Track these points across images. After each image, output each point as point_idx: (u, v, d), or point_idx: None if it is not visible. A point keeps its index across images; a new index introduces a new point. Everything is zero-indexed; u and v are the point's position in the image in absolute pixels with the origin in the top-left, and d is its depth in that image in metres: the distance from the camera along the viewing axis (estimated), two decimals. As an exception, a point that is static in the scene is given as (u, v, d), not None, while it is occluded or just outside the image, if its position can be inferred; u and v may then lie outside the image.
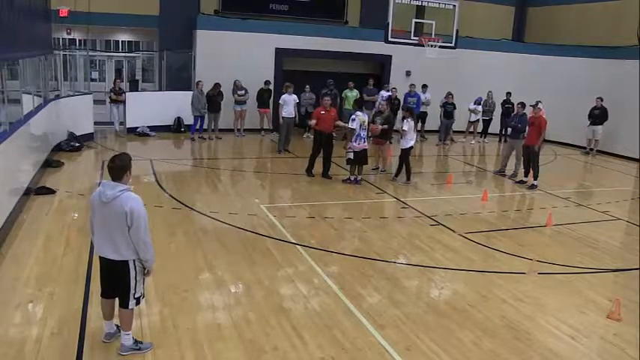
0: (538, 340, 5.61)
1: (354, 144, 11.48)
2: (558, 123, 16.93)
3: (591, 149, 17.68)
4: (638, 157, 16.75)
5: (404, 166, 12.06)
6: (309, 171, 12.23)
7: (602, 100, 16.97)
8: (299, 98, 15.69)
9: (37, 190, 9.69)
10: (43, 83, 12.65)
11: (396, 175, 12.16)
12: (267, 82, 16.90)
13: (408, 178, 12.06)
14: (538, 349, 5.42)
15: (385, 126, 12.38)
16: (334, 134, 12.82)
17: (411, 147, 12.00)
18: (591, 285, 7.14)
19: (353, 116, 11.63)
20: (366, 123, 11.67)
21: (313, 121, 12.11)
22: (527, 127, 12.76)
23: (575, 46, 18.77)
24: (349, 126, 11.65)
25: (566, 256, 8.17)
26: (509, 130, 13.82)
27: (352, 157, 11.59)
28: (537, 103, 12.70)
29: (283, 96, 14.90)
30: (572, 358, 5.31)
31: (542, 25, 21.60)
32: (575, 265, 7.77)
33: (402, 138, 12.01)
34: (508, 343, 5.51)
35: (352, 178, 11.75)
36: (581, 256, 8.22)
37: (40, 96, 12.00)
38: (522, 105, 13.14)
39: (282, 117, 14.74)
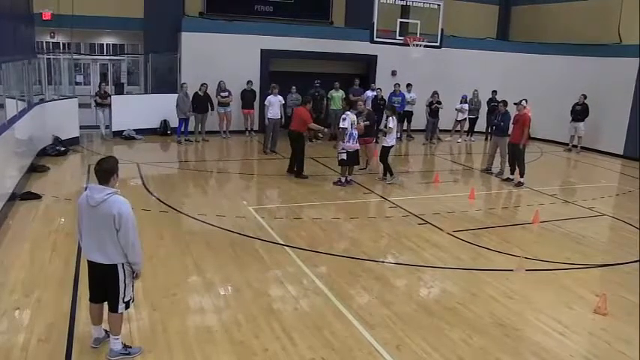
0: (527, 336, 5.65)
1: (348, 144, 11.44)
2: (543, 120, 17.10)
3: (574, 146, 17.83)
4: (621, 154, 16.97)
5: (386, 164, 12.08)
6: (290, 172, 12.27)
7: (585, 98, 17.13)
8: (285, 99, 15.69)
9: (22, 195, 9.59)
10: (26, 87, 12.50)
11: (384, 174, 12.17)
12: (249, 83, 16.89)
13: (391, 174, 12.05)
14: (528, 346, 5.46)
15: (367, 122, 12.34)
16: (306, 134, 12.77)
17: (392, 146, 12.02)
18: (578, 281, 7.20)
19: (344, 115, 11.60)
20: (356, 122, 11.62)
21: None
22: (510, 125, 12.89)
23: (559, 44, 18.95)
24: (340, 125, 11.63)
25: (553, 252, 8.22)
26: (493, 128, 13.93)
27: (345, 158, 11.54)
28: (521, 101, 12.79)
29: (268, 97, 14.92)
30: (561, 353, 5.35)
31: (526, 24, 21.77)
32: (562, 262, 7.82)
33: (384, 136, 12.02)
34: (498, 340, 5.54)
35: (343, 179, 11.71)
36: (568, 252, 8.29)
37: (24, 100, 11.87)
38: (505, 103, 13.26)
39: (268, 118, 14.76)
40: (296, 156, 12.26)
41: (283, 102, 15.30)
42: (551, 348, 5.43)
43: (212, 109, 16.19)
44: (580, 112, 17.30)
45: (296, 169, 12.24)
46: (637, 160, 16.05)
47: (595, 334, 5.79)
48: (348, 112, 11.67)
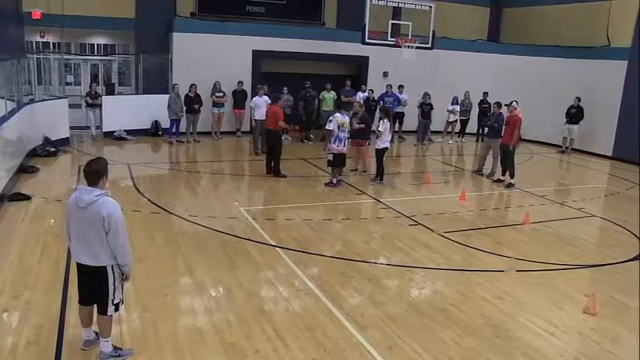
0: (518, 337, 5.67)
1: (333, 146, 11.45)
2: (534, 122, 17.16)
3: (567, 147, 17.94)
4: (610, 155, 17.08)
5: (380, 167, 12.08)
6: (269, 172, 12.35)
7: (579, 100, 17.23)
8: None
9: (11, 196, 9.52)
10: (16, 87, 12.42)
11: (376, 176, 12.17)
12: (239, 83, 16.87)
13: (381, 179, 12.09)
14: (518, 346, 5.48)
15: (362, 125, 12.37)
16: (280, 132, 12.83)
17: (386, 148, 12.03)
18: (568, 281, 7.24)
19: (330, 118, 11.62)
20: (346, 124, 11.62)
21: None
22: (503, 127, 12.94)
23: (549, 46, 19.06)
24: (326, 127, 11.66)
25: (544, 253, 8.27)
26: (487, 129, 13.98)
27: (332, 160, 11.57)
28: (512, 102, 12.84)
29: (254, 98, 14.94)
30: (552, 353, 5.38)
31: (516, 26, 21.88)
32: (552, 262, 7.87)
33: (377, 138, 12.04)
34: (489, 340, 5.56)
35: (335, 180, 11.70)
36: (558, 252, 8.33)
37: (13, 100, 11.79)
38: (499, 105, 13.29)
39: (255, 119, 14.75)
40: (273, 155, 12.33)
41: (270, 102, 15.24)
42: (541, 348, 5.45)
43: (200, 105, 16.05)
44: (575, 115, 17.38)
45: (273, 168, 12.28)
46: (626, 161, 16.19)
47: (585, 333, 5.83)
48: (337, 115, 11.64)
